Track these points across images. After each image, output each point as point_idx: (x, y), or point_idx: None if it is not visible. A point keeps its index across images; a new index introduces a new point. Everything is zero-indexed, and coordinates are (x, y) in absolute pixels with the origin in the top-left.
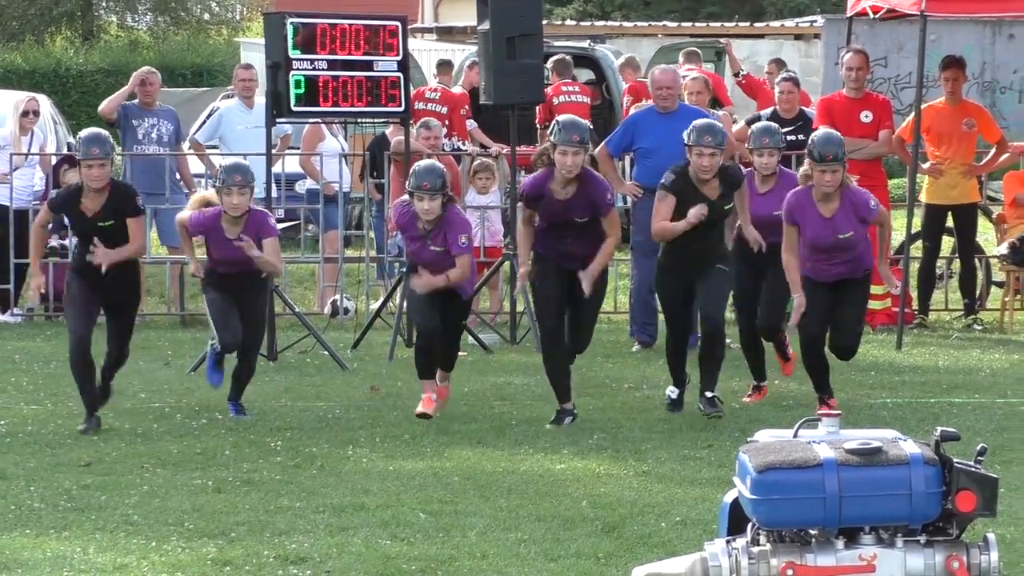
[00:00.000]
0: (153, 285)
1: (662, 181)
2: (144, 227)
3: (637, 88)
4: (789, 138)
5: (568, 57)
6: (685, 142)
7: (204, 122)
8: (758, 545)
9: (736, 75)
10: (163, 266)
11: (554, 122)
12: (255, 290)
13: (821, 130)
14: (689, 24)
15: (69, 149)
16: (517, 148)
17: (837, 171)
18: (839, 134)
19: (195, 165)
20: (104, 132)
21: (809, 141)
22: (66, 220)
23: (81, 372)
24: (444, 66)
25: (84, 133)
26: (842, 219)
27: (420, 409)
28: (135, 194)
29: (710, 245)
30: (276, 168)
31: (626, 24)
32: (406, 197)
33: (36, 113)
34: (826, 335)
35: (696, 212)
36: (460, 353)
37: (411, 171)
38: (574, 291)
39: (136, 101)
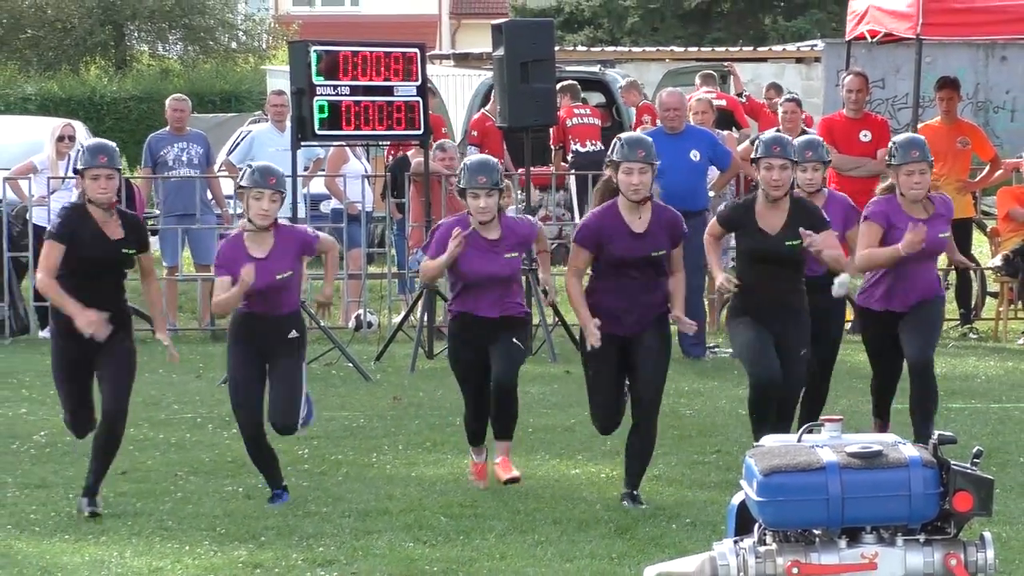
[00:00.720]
0: (185, 302)
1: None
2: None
3: (649, 108)
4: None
5: (576, 82)
6: (753, 155)
7: (236, 144)
8: (764, 545)
9: (739, 95)
10: (194, 283)
11: (615, 140)
12: (287, 350)
13: (904, 134)
14: (695, 49)
15: None
16: (531, 168)
17: (925, 172)
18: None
19: (227, 187)
20: (111, 143)
21: (890, 144)
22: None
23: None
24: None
25: (89, 142)
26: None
27: (502, 476)
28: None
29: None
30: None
31: (635, 49)
32: (450, 219)
33: (72, 138)
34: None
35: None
36: None
37: (462, 169)
38: (631, 359)
39: (167, 128)
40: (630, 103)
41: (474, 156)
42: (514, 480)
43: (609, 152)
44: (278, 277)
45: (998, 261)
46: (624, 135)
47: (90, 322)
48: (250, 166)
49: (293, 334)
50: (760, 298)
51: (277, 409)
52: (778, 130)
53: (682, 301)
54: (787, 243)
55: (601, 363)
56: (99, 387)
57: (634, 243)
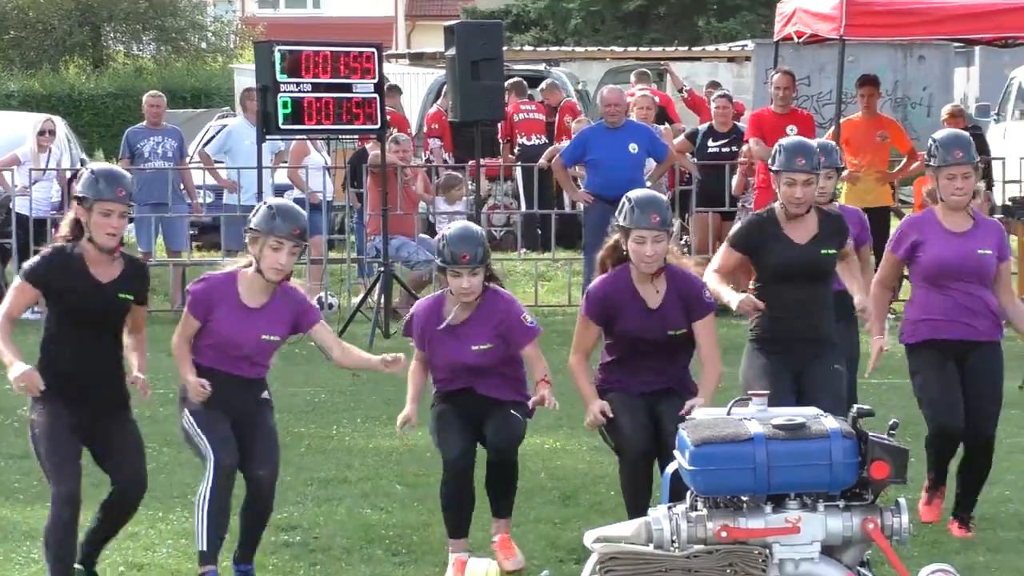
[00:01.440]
0: (158, 284)
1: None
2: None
3: (571, 107)
4: (724, 149)
5: (523, 80)
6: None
7: (212, 137)
8: (696, 511)
9: (680, 91)
10: (167, 268)
11: (624, 200)
12: (260, 408)
13: (946, 130)
14: (634, 49)
15: (82, 164)
16: (481, 160)
17: (970, 176)
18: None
19: (197, 177)
20: (128, 174)
21: (929, 143)
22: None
23: (67, 541)
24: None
25: (99, 167)
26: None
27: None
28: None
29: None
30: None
31: (577, 49)
32: (427, 299)
33: (52, 133)
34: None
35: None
36: None
37: (440, 241)
38: (659, 415)
39: (143, 123)
40: (552, 102)
41: (455, 226)
42: (518, 570)
43: (617, 214)
44: (263, 338)
45: None
46: (634, 195)
47: (23, 375)
48: (270, 207)
49: (265, 395)
50: (790, 327)
51: (265, 458)
52: (711, 124)
53: (711, 395)
54: (823, 252)
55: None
56: (101, 463)
57: (648, 320)
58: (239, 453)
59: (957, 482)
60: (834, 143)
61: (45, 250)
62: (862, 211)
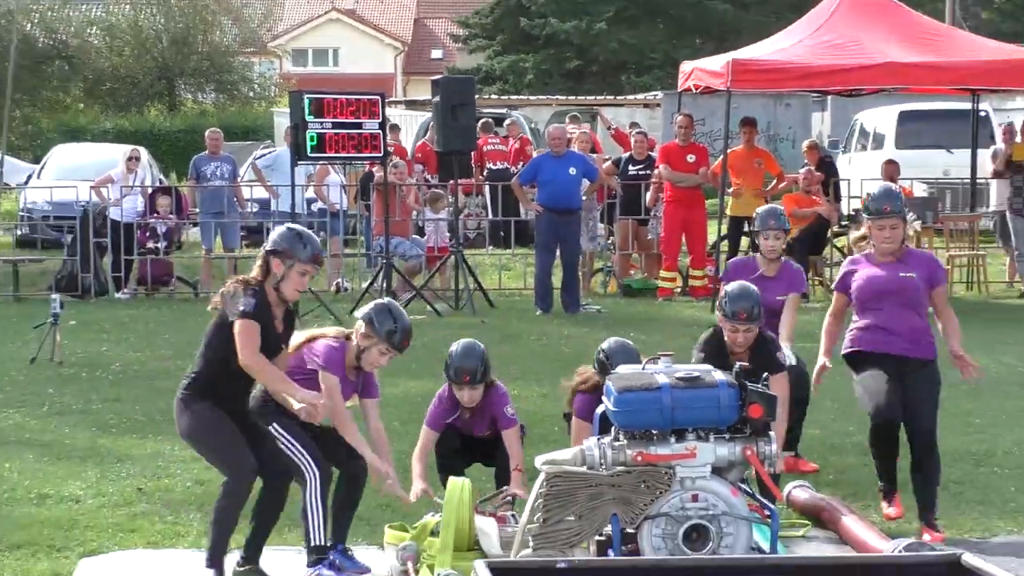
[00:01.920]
0: (218, 273)
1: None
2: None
3: (525, 141)
4: (640, 172)
5: (491, 120)
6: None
7: (261, 156)
8: (618, 441)
9: (608, 128)
10: (223, 260)
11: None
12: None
13: (880, 185)
14: (574, 97)
15: (160, 183)
16: (459, 180)
17: (897, 227)
18: (898, 188)
19: (246, 193)
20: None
21: (865, 196)
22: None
23: (238, 513)
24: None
25: (303, 230)
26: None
27: None
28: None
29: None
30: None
31: (531, 97)
32: (438, 404)
33: (137, 159)
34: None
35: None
36: (418, 316)
37: (449, 359)
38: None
39: (206, 152)
40: (514, 137)
41: (462, 345)
42: None
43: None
44: (347, 404)
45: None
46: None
47: (311, 401)
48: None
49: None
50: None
51: (353, 453)
52: (631, 153)
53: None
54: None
55: None
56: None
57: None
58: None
59: (914, 490)
60: (781, 208)
61: (251, 290)
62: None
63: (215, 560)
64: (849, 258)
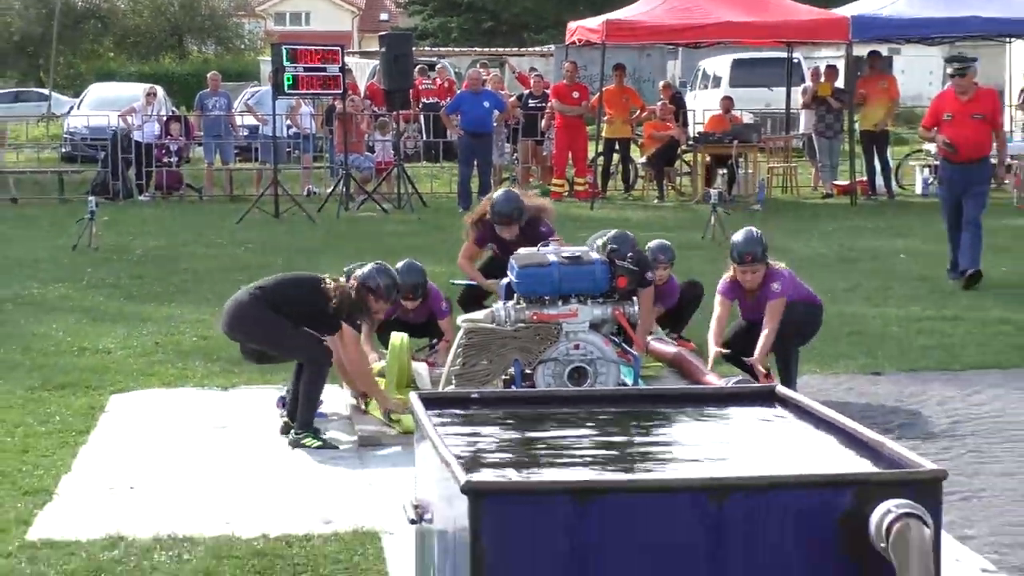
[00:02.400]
0: (218, 180)
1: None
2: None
3: (451, 82)
4: (539, 105)
5: (425, 66)
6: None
7: (251, 95)
8: (519, 305)
9: (514, 72)
10: (221, 172)
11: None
12: None
13: (741, 235)
14: (488, 49)
15: (172, 114)
16: (400, 112)
17: (757, 271)
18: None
19: (238, 121)
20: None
21: (732, 243)
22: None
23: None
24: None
25: (400, 281)
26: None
27: None
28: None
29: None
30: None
31: (456, 49)
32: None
33: (154, 95)
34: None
35: None
36: (370, 213)
37: (390, 281)
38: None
39: (208, 89)
40: (443, 79)
41: (404, 266)
42: None
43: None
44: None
45: (643, 160)
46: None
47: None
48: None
49: None
50: None
51: None
52: (531, 91)
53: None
54: None
55: None
56: None
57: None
58: None
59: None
60: (670, 244)
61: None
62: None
63: (307, 424)
64: (728, 280)
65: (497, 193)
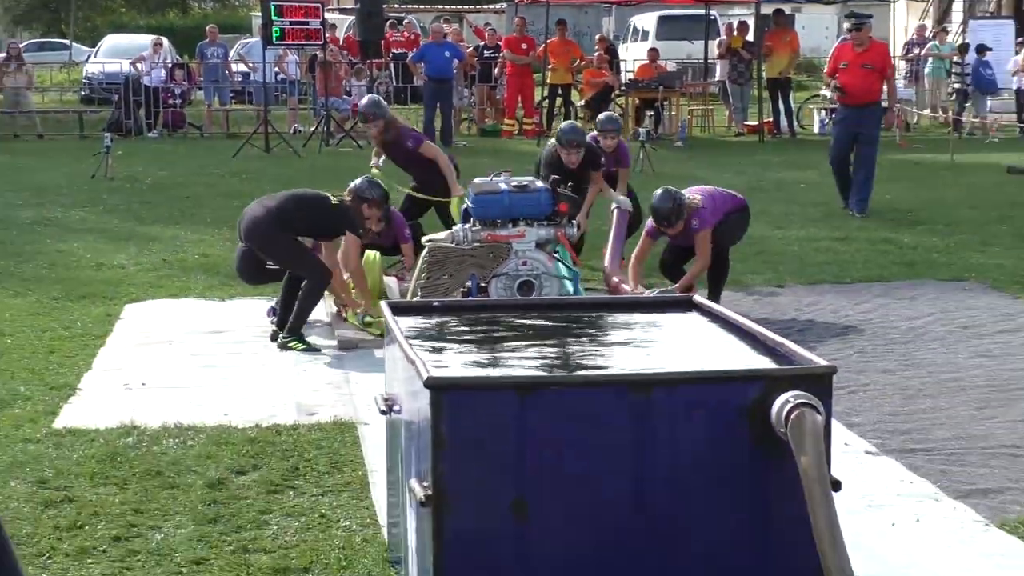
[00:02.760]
0: (216, 121)
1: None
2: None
3: (418, 36)
4: (493, 55)
5: (395, 20)
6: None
7: (244, 47)
8: (475, 227)
9: (471, 27)
10: (219, 113)
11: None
12: None
13: (657, 199)
14: (449, 6)
15: (176, 61)
16: (371, 60)
17: (677, 226)
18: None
19: (234, 68)
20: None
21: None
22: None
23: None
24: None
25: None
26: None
27: None
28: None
29: None
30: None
31: (421, 5)
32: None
33: (161, 45)
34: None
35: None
36: (347, 148)
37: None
38: None
39: (207, 40)
40: (410, 32)
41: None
42: None
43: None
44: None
45: (582, 103)
46: (565, 127)
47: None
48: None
49: None
50: None
51: None
52: (485, 43)
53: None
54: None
55: None
56: None
57: None
58: None
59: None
60: (616, 115)
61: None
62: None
63: (296, 331)
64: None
65: (564, 124)
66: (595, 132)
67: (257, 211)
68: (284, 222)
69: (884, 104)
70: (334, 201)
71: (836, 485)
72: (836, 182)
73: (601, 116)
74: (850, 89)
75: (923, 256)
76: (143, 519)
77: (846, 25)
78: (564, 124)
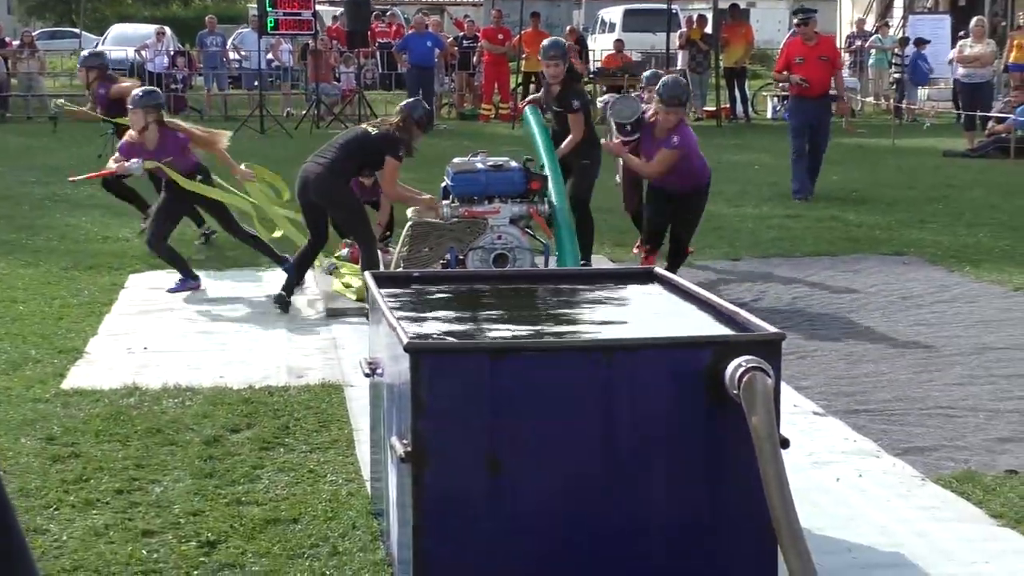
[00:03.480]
0: (216, 104)
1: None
2: None
3: (401, 27)
4: (472, 45)
5: (380, 12)
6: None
7: (238, 36)
8: (454, 204)
9: (452, 19)
10: (217, 98)
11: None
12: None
13: (671, 79)
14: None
15: (178, 49)
16: (360, 49)
17: (678, 112)
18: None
19: (232, 55)
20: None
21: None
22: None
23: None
24: (321, 17)
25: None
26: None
27: None
28: None
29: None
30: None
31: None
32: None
33: (163, 34)
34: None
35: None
36: (337, 131)
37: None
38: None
39: (207, 30)
40: (394, 23)
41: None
42: None
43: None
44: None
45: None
46: (547, 42)
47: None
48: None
49: None
50: None
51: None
52: (466, 33)
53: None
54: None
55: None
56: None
57: None
58: None
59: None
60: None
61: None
62: None
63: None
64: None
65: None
66: (643, 106)
67: (316, 169)
68: (341, 171)
69: (833, 92)
70: (371, 131)
71: (785, 443)
72: (796, 172)
73: (545, 42)
74: (811, 82)
75: (866, 233)
76: (144, 473)
77: (794, 20)
78: (546, 40)
